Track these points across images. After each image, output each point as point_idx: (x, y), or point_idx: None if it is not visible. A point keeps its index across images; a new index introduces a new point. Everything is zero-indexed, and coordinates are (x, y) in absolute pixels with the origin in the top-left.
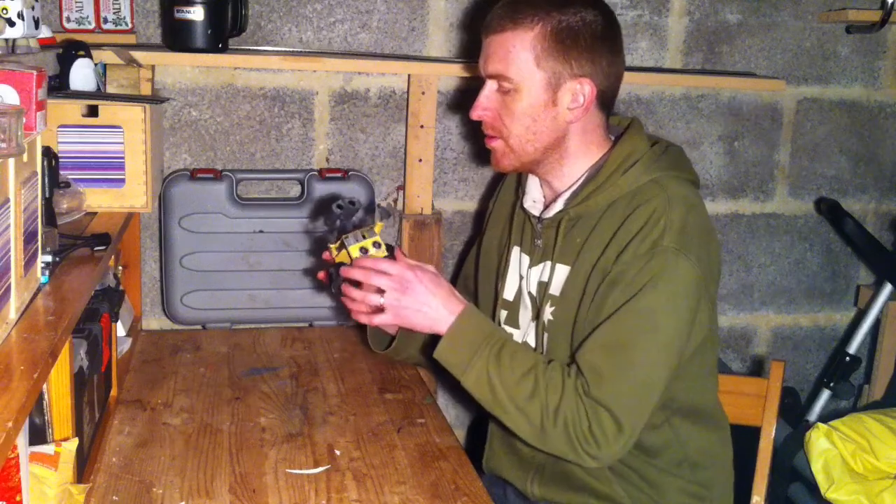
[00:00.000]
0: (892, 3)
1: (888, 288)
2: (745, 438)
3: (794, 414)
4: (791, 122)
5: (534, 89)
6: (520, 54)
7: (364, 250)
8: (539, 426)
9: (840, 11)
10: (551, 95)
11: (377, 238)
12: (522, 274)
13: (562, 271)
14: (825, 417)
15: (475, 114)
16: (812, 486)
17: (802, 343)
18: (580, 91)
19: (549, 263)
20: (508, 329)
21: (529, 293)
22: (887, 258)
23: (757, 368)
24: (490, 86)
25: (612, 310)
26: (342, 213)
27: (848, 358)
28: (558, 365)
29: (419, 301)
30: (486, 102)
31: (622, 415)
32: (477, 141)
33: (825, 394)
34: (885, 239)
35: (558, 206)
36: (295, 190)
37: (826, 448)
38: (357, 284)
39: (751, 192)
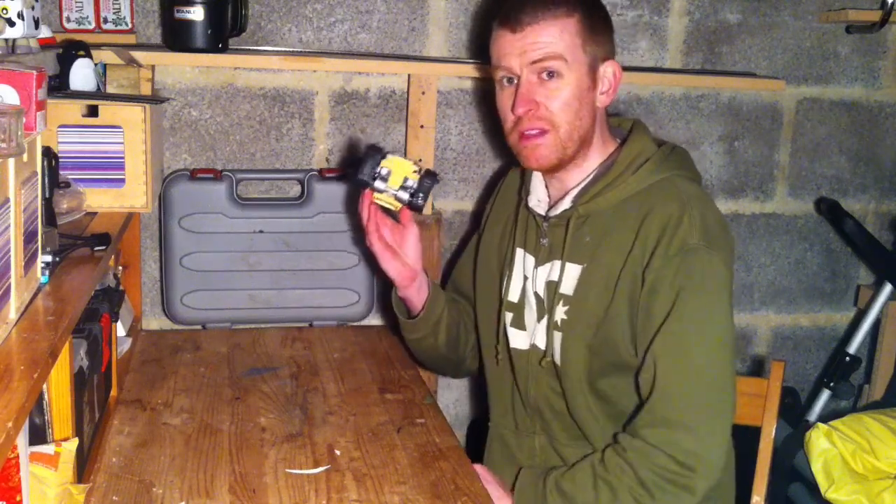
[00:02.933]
0: (892, 3)
1: (888, 288)
2: (745, 438)
3: (794, 414)
4: (791, 122)
5: (580, 73)
6: (569, 38)
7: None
8: None
9: (840, 11)
10: (592, 79)
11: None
12: (527, 274)
13: (573, 270)
14: (825, 417)
15: (521, 109)
16: (812, 486)
17: (802, 343)
18: (612, 73)
19: (558, 262)
20: (514, 331)
21: (536, 293)
22: (887, 258)
23: (757, 368)
24: (529, 78)
25: (660, 318)
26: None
27: (848, 358)
28: (609, 450)
29: None
30: (529, 95)
31: (693, 422)
32: (477, 141)
33: (825, 394)
34: (885, 239)
35: (566, 203)
36: (295, 190)
37: (826, 448)
38: None
39: (751, 192)
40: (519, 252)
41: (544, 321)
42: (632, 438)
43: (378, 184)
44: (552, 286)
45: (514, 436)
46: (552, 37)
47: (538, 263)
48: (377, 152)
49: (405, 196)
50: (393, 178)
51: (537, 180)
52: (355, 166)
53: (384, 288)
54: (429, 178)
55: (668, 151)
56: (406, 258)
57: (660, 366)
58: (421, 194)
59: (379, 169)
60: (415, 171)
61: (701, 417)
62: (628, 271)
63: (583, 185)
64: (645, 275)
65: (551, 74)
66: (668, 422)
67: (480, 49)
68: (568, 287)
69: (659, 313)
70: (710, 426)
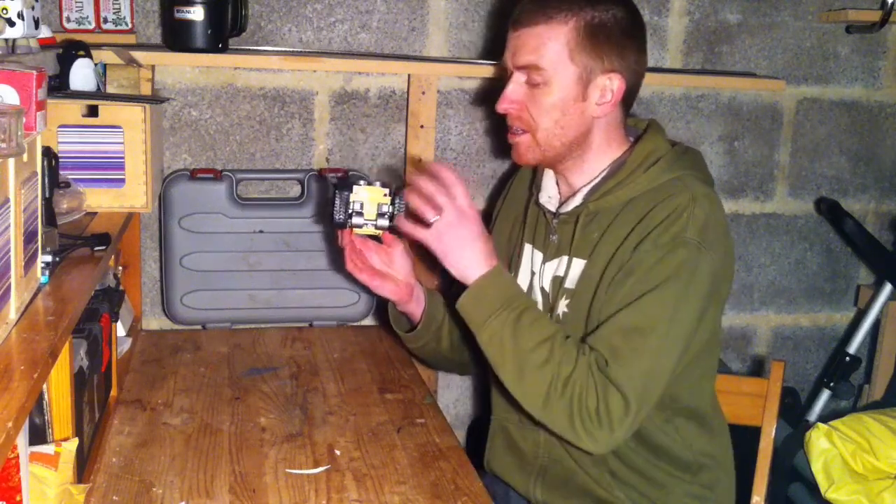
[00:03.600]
0: (892, 3)
1: (888, 288)
2: (745, 438)
3: (794, 414)
4: (791, 122)
5: (565, 83)
6: (553, 48)
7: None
8: (544, 395)
9: (840, 11)
10: (581, 90)
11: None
12: (535, 270)
13: (578, 265)
14: (825, 417)
15: (502, 106)
16: (812, 486)
17: (802, 343)
18: (609, 87)
19: (565, 258)
20: None
21: (542, 289)
22: (887, 258)
23: (757, 368)
24: (517, 79)
25: (631, 296)
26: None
27: (848, 358)
28: (575, 340)
29: (467, 237)
30: (513, 95)
31: (632, 398)
32: (477, 141)
33: (825, 394)
34: (885, 239)
35: (577, 200)
36: (295, 190)
37: (826, 448)
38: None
39: (751, 192)
40: (527, 247)
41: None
42: (595, 353)
43: (356, 220)
44: (558, 281)
45: (518, 428)
46: (539, 44)
47: (546, 259)
48: (344, 188)
49: (385, 222)
50: (367, 209)
51: (548, 177)
52: (328, 210)
53: (381, 298)
54: (401, 196)
55: (681, 151)
56: (398, 276)
57: (619, 335)
58: (399, 216)
59: (352, 205)
60: (385, 195)
61: (638, 395)
62: (616, 260)
63: (594, 182)
64: (632, 255)
65: (532, 82)
66: (614, 381)
67: (480, 49)
68: (571, 281)
69: (629, 291)
70: (640, 407)
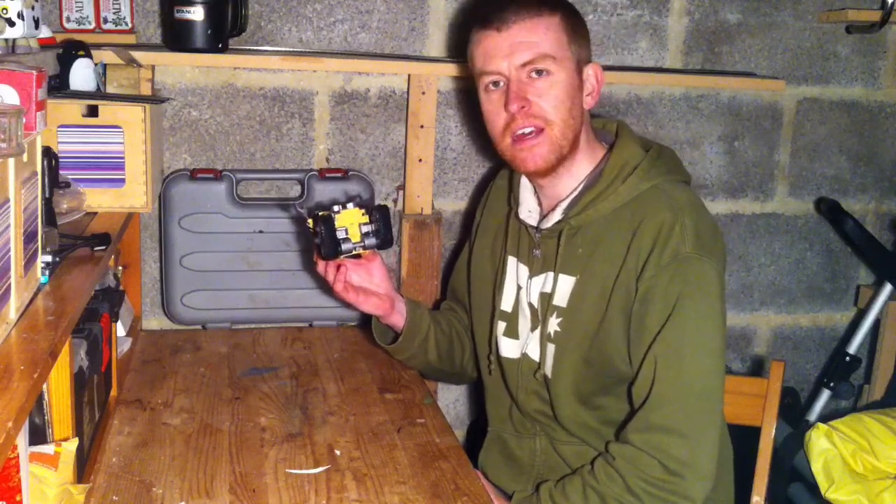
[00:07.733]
0: (892, 3)
1: (888, 288)
2: (745, 438)
3: (794, 414)
4: (791, 122)
5: (569, 71)
6: (553, 36)
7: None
8: None
9: (840, 11)
10: (580, 79)
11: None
12: (521, 284)
13: (566, 282)
14: (825, 417)
15: (514, 105)
16: (812, 486)
17: (802, 343)
18: (594, 75)
19: (551, 274)
20: (506, 340)
21: (530, 304)
22: (887, 258)
23: (757, 368)
24: (518, 77)
25: (654, 327)
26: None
27: (848, 358)
28: (599, 458)
29: None
30: (521, 92)
31: (685, 429)
32: (477, 141)
33: (825, 394)
34: (885, 239)
35: (556, 215)
36: (295, 190)
37: (826, 448)
38: None
39: (751, 192)
40: (511, 261)
41: (537, 332)
42: (621, 445)
43: (345, 246)
44: (546, 297)
45: (515, 438)
46: (539, 34)
47: (532, 274)
48: (325, 222)
49: (373, 241)
50: (351, 232)
51: (526, 191)
52: (316, 247)
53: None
54: (380, 212)
55: (655, 156)
56: (379, 290)
57: (654, 373)
58: (383, 232)
59: (338, 233)
60: (364, 214)
61: (692, 424)
62: (622, 282)
63: (573, 195)
64: (638, 284)
65: (540, 72)
66: (660, 427)
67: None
68: (561, 299)
69: (652, 323)
70: (700, 433)
